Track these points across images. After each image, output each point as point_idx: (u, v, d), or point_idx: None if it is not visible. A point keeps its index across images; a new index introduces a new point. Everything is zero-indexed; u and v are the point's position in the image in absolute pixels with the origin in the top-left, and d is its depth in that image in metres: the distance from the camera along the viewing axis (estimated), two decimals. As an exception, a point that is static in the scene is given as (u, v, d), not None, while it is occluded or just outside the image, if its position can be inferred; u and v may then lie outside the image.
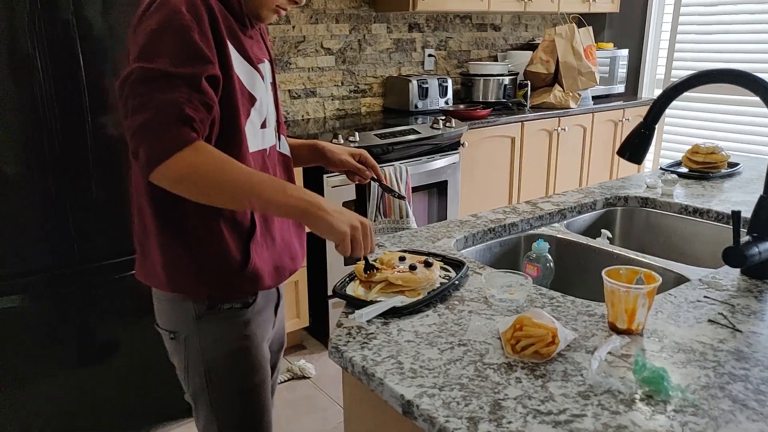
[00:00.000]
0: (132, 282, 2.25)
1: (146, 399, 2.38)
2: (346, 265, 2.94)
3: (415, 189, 3.15)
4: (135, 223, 1.24)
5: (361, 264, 1.24)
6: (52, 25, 1.97)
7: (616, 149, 5.01)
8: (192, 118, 0.99)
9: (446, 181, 3.30)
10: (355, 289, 1.23)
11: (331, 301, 2.95)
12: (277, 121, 1.35)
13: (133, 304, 2.29)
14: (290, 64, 3.47)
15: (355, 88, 3.79)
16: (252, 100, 1.19)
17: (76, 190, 2.12)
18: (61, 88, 2.03)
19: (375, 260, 1.28)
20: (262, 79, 1.22)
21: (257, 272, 1.23)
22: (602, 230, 1.74)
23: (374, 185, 2.74)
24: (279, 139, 1.35)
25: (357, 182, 1.50)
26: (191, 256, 1.19)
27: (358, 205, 2.87)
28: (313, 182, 2.81)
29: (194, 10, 1.04)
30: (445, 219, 3.33)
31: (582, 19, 4.47)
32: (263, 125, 1.24)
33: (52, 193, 2.07)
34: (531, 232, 1.71)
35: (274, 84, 1.33)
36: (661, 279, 1.08)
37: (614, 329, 1.08)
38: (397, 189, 2.90)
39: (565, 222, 1.80)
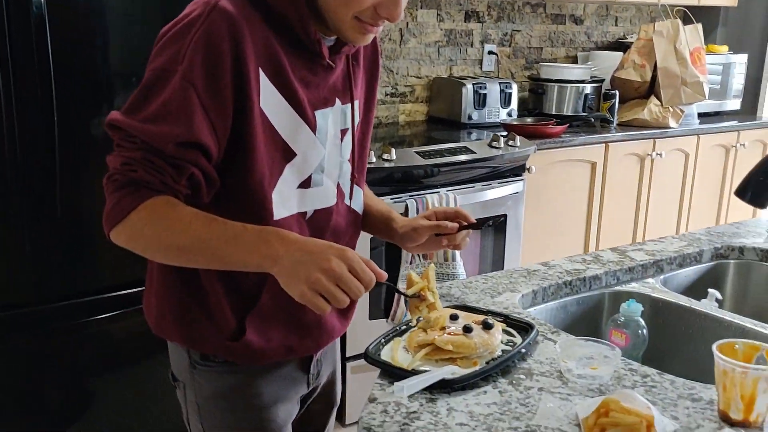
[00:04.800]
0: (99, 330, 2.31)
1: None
2: (371, 319, 2.96)
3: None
4: None
5: (416, 335, 1.27)
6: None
7: (731, 186, 4.90)
8: (146, 181, 1.14)
9: (505, 216, 3.31)
10: (393, 354, 1.26)
11: (349, 365, 2.97)
12: (354, 173, 1.41)
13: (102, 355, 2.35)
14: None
15: (393, 91, 3.85)
16: (288, 154, 1.25)
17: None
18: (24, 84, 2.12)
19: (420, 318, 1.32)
20: (313, 129, 1.27)
21: (252, 349, 1.29)
22: (710, 290, 1.74)
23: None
24: (350, 196, 1.41)
25: (445, 248, 1.50)
26: (179, 303, 1.30)
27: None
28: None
29: (212, 50, 1.13)
30: (502, 265, 3.35)
31: (689, 14, 4.44)
32: (305, 184, 1.30)
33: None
34: (618, 288, 1.73)
35: (354, 129, 1.38)
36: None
37: (726, 420, 1.10)
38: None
39: (662, 277, 1.81)
